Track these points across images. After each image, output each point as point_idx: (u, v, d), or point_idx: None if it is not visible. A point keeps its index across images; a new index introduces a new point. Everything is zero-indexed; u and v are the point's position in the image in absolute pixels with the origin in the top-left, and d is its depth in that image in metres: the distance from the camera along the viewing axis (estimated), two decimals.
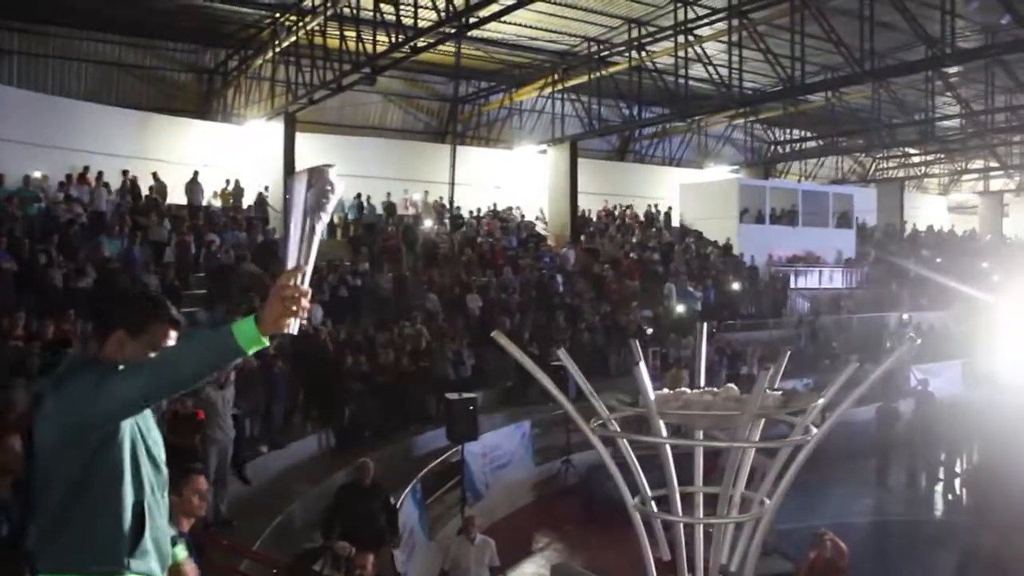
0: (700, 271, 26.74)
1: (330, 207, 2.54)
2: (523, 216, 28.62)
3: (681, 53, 23.20)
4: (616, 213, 30.66)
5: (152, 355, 2.65)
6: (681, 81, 23.80)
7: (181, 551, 3.26)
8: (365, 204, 24.42)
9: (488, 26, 19.51)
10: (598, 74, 25.56)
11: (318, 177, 2.50)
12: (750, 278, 27.68)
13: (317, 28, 20.34)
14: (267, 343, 2.45)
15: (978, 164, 38.26)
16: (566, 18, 23.02)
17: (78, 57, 22.58)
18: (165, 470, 2.88)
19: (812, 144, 34.74)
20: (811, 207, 32.16)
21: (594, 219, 29.96)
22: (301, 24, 20.67)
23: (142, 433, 2.76)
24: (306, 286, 2.46)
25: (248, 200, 23.13)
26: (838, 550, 8.35)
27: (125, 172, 20.79)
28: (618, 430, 3.17)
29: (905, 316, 27.38)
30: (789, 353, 3.42)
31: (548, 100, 28.70)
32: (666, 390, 3.19)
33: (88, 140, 20.65)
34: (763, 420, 3.08)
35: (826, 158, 38.31)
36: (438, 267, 22.31)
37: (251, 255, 18.77)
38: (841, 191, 34.90)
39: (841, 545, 8.38)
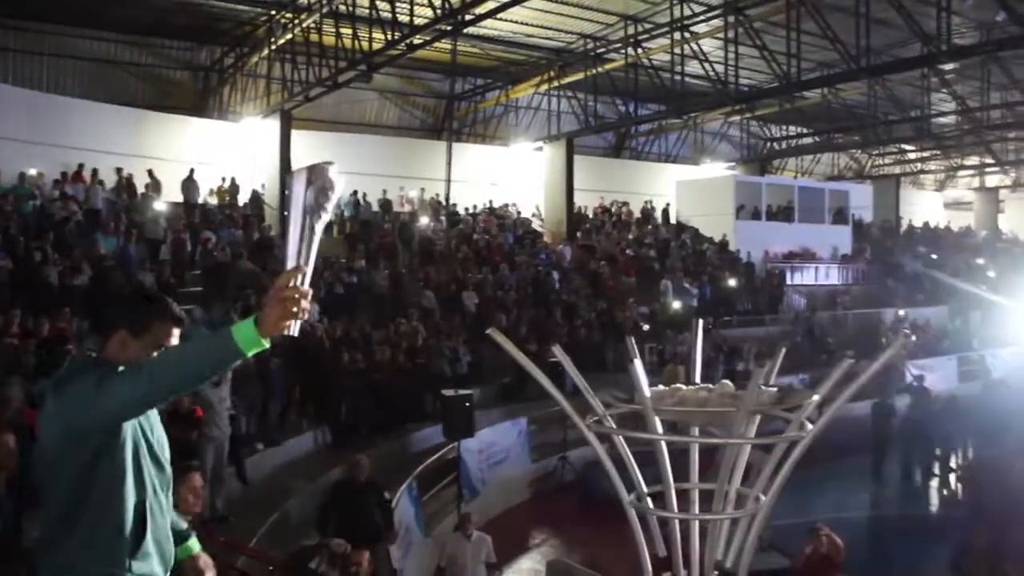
0: (696, 267, 26.75)
1: (330, 206, 2.49)
2: (519, 213, 28.63)
3: (677, 50, 23.20)
4: (613, 210, 30.67)
5: (152, 357, 2.61)
6: (677, 78, 23.80)
7: (195, 543, 3.24)
8: (361, 201, 24.42)
9: (484, 23, 19.50)
10: (594, 71, 25.55)
11: (318, 175, 2.45)
12: (746, 274, 27.70)
13: (313, 25, 20.32)
14: (267, 345, 2.42)
15: (974, 160, 38.32)
16: (562, 15, 23.01)
17: (74, 55, 22.54)
18: (169, 469, 2.87)
19: (808, 141, 34.78)
20: (807, 203, 32.17)
21: (590, 216, 29.96)
22: (297, 21, 20.65)
23: (145, 433, 2.74)
24: (306, 287, 2.43)
25: (244, 198, 23.12)
26: (834, 545, 8.37)
27: (119, 170, 20.78)
28: (614, 427, 3.17)
29: (901, 312, 27.44)
30: (785, 350, 3.43)
31: (544, 97, 28.71)
32: (661, 387, 3.19)
33: (84, 138, 20.64)
34: (759, 416, 3.08)
35: (822, 154, 38.36)
36: (434, 264, 22.30)
37: (247, 252, 18.76)
38: (837, 187, 34.92)
39: (837, 540, 8.40)
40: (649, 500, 3.18)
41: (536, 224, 28.42)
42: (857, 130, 31.40)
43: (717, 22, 22.62)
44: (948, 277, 29.37)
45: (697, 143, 35.29)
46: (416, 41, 18.38)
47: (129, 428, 2.63)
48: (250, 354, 2.41)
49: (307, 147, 23.56)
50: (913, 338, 22.06)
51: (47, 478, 2.64)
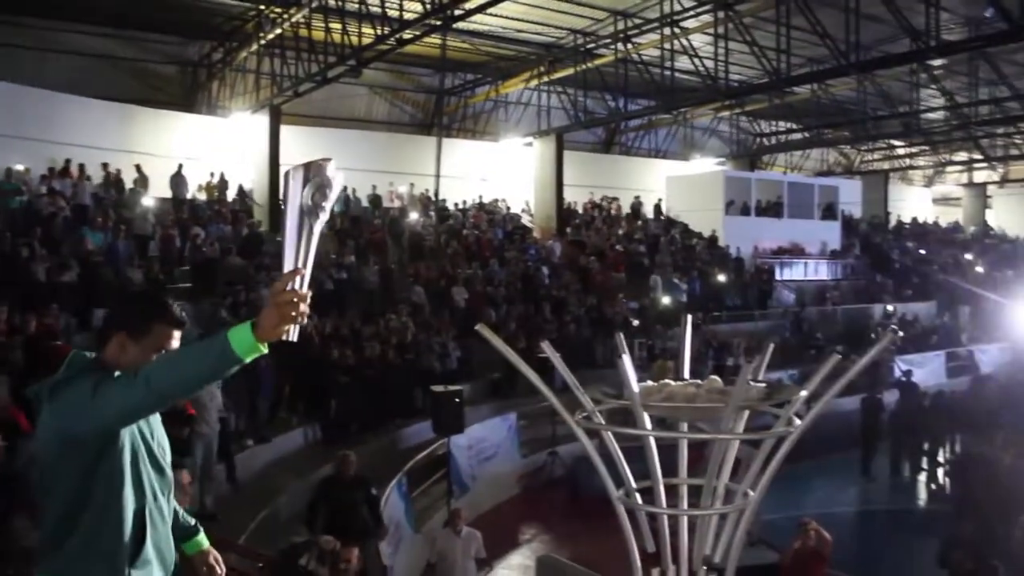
0: (686, 263, 26.81)
1: (329, 204, 2.39)
2: (509, 208, 28.62)
3: (667, 45, 23.19)
4: (604, 205, 30.69)
5: (149, 363, 2.53)
6: (667, 73, 23.82)
7: (204, 538, 3.19)
8: (351, 197, 24.35)
9: (474, 18, 19.43)
10: (584, 66, 25.53)
11: (315, 172, 2.35)
12: (736, 270, 27.77)
13: (302, 20, 20.23)
14: (265, 350, 2.34)
15: (962, 156, 38.45)
16: (552, 10, 22.95)
17: (60, 49, 22.37)
18: (170, 473, 2.81)
19: (797, 136, 34.81)
20: (796, 199, 32.26)
21: (580, 211, 29.97)
22: (286, 16, 20.56)
23: (144, 437, 2.69)
24: (305, 290, 2.33)
25: (233, 193, 23.06)
26: (822, 539, 8.39)
27: (105, 165, 20.69)
28: (603, 423, 3.17)
29: (890, 307, 27.55)
30: (773, 346, 3.43)
31: (534, 92, 28.68)
32: (650, 382, 3.19)
33: (71, 133, 20.52)
34: (747, 412, 3.08)
35: (811, 150, 38.40)
36: (424, 260, 22.29)
37: (236, 248, 18.72)
38: (826, 183, 35.03)
39: (825, 534, 8.42)
40: (638, 495, 3.18)
41: (526, 220, 28.41)
42: (846, 126, 31.46)
43: (707, 17, 22.62)
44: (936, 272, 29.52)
45: (687, 138, 35.31)
46: (406, 36, 18.33)
47: (128, 433, 2.59)
48: (248, 360, 2.34)
49: (296, 143, 23.52)
50: (900, 334, 22.18)
51: (44, 483, 2.58)
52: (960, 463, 15.71)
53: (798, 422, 2.99)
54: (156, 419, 2.79)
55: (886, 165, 40.14)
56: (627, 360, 2.93)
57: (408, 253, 22.98)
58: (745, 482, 3.09)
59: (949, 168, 41.12)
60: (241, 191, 23.10)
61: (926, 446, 17.25)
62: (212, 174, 23.03)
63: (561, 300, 21.81)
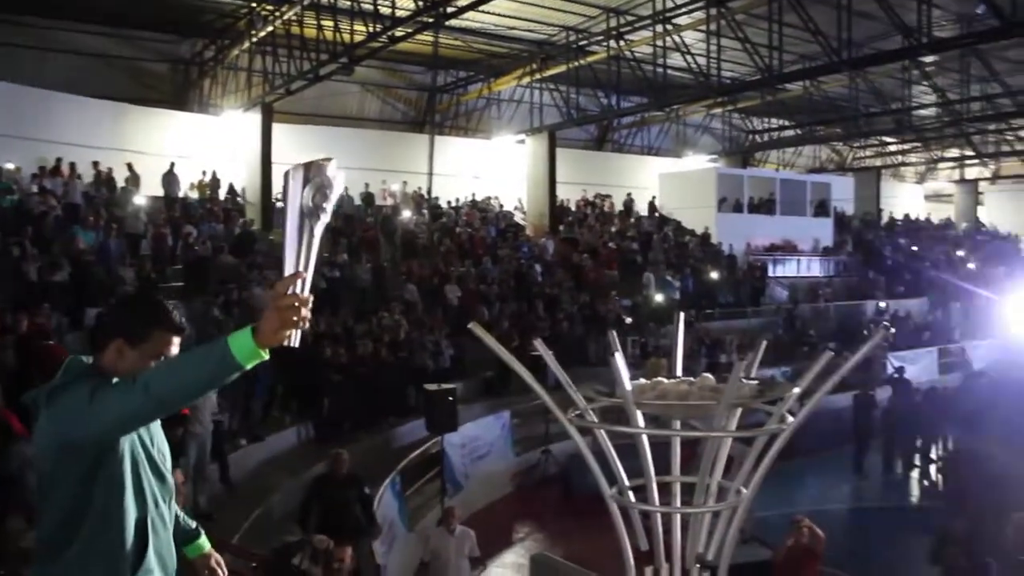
0: (679, 260, 26.83)
1: (330, 205, 2.31)
2: (502, 206, 28.62)
3: (659, 42, 23.25)
4: (597, 203, 30.70)
5: (147, 370, 2.46)
6: (659, 70, 23.85)
7: (205, 541, 3.14)
8: (343, 195, 24.27)
9: (466, 15, 19.42)
10: (576, 63, 25.54)
11: (316, 173, 2.28)
12: (728, 267, 27.81)
13: (294, 18, 20.18)
14: (266, 356, 2.27)
15: (954, 153, 38.58)
16: (544, 7, 22.96)
17: (52, 47, 22.28)
18: (170, 479, 2.76)
19: (790, 133, 34.88)
20: (789, 196, 32.31)
21: (573, 209, 29.98)
22: (278, 14, 20.50)
23: (144, 443, 2.64)
24: (307, 293, 2.28)
25: (224, 192, 23.02)
26: (815, 536, 8.41)
27: (96, 163, 20.63)
28: (595, 420, 3.16)
29: (882, 304, 27.62)
30: (765, 343, 3.43)
31: (527, 90, 28.65)
32: (643, 380, 3.18)
33: (62, 131, 20.44)
34: (740, 409, 3.08)
35: (804, 147, 38.50)
36: (417, 258, 22.28)
37: (229, 247, 18.68)
38: (819, 180, 35.08)
39: (818, 531, 8.44)
40: (631, 493, 3.17)
41: (518, 217, 28.41)
42: (838, 122, 31.54)
43: (699, 14, 22.66)
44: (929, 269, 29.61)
45: (679, 136, 35.35)
46: (398, 33, 18.32)
47: (127, 440, 2.53)
48: (249, 366, 2.28)
49: (288, 141, 23.48)
50: (892, 331, 22.22)
51: (43, 490, 2.53)
52: (952, 460, 15.77)
53: (791, 419, 2.98)
54: (156, 424, 2.74)
55: (878, 162, 40.26)
56: (620, 358, 2.93)
57: (401, 251, 22.96)
58: (738, 480, 3.08)
59: (941, 165, 41.27)
60: (231, 189, 23.06)
61: (919, 443, 17.29)
62: (204, 172, 22.97)
63: (554, 298, 21.82)
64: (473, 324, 3.15)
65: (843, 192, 36.29)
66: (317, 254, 2.33)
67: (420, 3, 16.93)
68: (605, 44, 24.60)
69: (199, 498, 10.11)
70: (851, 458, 16.92)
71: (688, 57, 23.74)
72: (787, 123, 34.65)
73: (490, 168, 29.48)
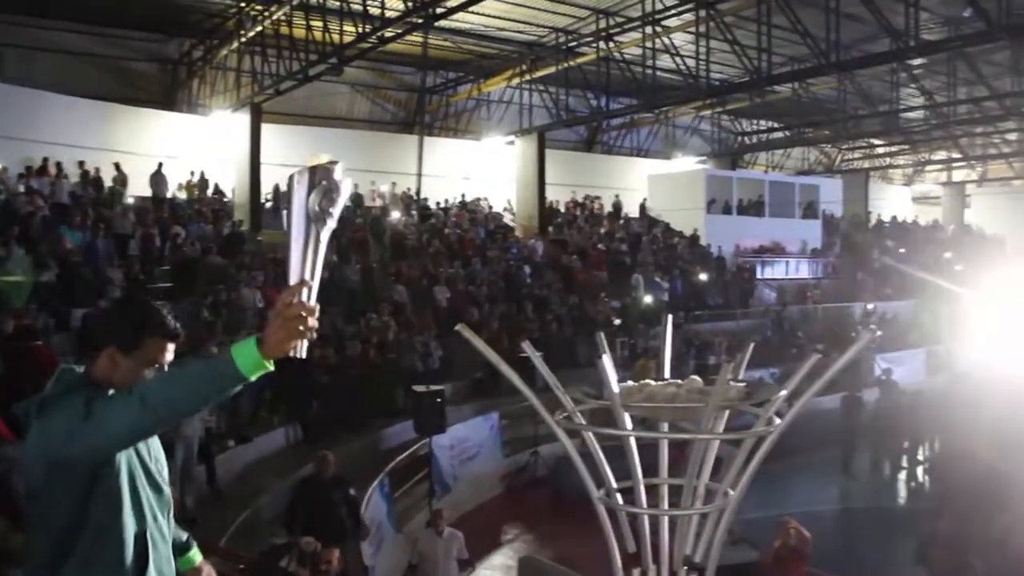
0: (667, 262, 26.87)
1: (336, 210, 2.23)
2: (491, 207, 28.60)
3: (649, 44, 23.27)
4: (586, 204, 30.72)
5: (146, 383, 2.40)
6: (649, 72, 23.87)
7: (197, 553, 3.04)
8: None
9: (456, 16, 19.44)
10: (566, 65, 25.58)
11: (322, 176, 2.19)
12: (717, 268, 27.87)
13: (283, 18, 20.16)
14: (271, 367, 2.21)
15: (941, 155, 38.71)
16: (534, 8, 22.98)
17: (39, 46, 22.20)
18: (167, 491, 2.68)
19: (779, 135, 34.99)
20: (778, 198, 32.42)
21: (562, 210, 30.00)
22: (267, 14, 20.48)
23: (140, 455, 2.56)
24: (313, 302, 2.20)
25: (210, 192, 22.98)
26: (801, 537, 8.40)
27: (81, 163, 20.53)
28: (583, 423, 3.16)
29: (870, 306, 27.70)
30: (753, 345, 3.43)
31: (516, 91, 28.66)
32: (631, 382, 3.18)
33: (49, 131, 20.36)
34: (727, 411, 3.08)
35: (792, 149, 38.61)
36: (406, 259, 22.24)
37: (217, 247, 18.63)
38: (807, 182, 35.21)
39: (804, 533, 8.44)
40: (618, 496, 3.17)
41: (508, 218, 28.40)
42: (827, 125, 31.66)
43: (688, 16, 22.70)
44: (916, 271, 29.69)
45: (668, 137, 35.41)
46: (387, 34, 18.30)
47: (124, 453, 2.46)
48: (253, 378, 2.21)
49: (277, 141, 23.45)
50: (879, 333, 22.27)
51: (37, 506, 2.44)
52: (939, 461, 15.83)
53: (778, 421, 2.99)
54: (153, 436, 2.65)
55: (866, 164, 40.40)
56: (607, 360, 2.93)
57: (390, 252, 22.93)
58: (725, 481, 3.08)
59: (928, 167, 41.40)
60: (216, 188, 22.99)
61: (906, 444, 17.35)
62: (192, 173, 22.90)
63: (543, 299, 21.82)
64: (461, 326, 3.14)
65: (831, 194, 36.41)
66: (324, 261, 2.25)
67: (409, 4, 16.91)
68: (595, 45, 24.64)
69: (186, 500, 10.07)
70: (839, 460, 16.96)
71: (677, 59, 23.79)
72: (776, 125, 34.78)
73: (479, 169, 29.48)
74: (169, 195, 21.58)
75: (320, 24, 19.23)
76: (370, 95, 28.81)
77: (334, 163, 2.24)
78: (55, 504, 2.40)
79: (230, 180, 23.34)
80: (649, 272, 24.87)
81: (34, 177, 19.06)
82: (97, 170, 20.75)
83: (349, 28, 18.56)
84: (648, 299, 23.30)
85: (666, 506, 3.26)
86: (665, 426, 3.28)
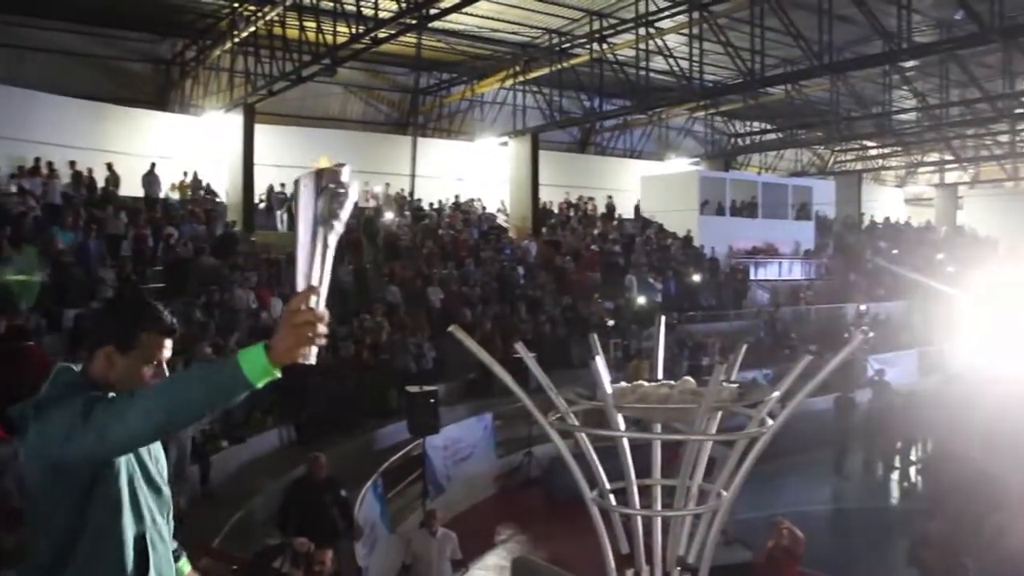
0: (661, 263, 26.90)
1: (344, 213, 2.17)
2: (484, 208, 28.61)
3: (642, 45, 23.28)
4: (581, 205, 30.75)
5: (148, 387, 2.35)
6: (642, 73, 23.91)
7: (185, 565, 2.97)
8: None
9: (449, 17, 19.40)
10: (559, 66, 25.57)
11: (329, 179, 2.13)
12: (711, 270, 27.90)
13: (276, 18, 20.12)
14: (278, 375, 2.16)
15: (933, 157, 38.80)
16: (527, 10, 22.99)
17: (31, 45, 22.12)
18: (167, 491, 2.63)
19: (772, 136, 35.03)
20: (771, 199, 32.48)
21: (555, 211, 30.01)
22: (260, 14, 20.44)
23: (140, 456, 2.50)
24: (322, 308, 2.16)
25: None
26: (794, 538, 8.42)
27: (72, 163, 20.47)
28: (576, 423, 3.17)
29: (863, 307, 27.76)
30: (746, 346, 3.44)
31: (509, 92, 28.66)
32: (624, 383, 3.19)
33: (41, 131, 20.28)
34: (720, 412, 3.09)
35: (786, 150, 38.67)
36: (399, 259, 22.23)
37: (210, 248, 18.59)
38: (800, 183, 35.26)
39: (797, 533, 8.46)
40: (612, 497, 3.18)
41: (501, 219, 28.40)
42: (820, 126, 31.69)
43: (682, 18, 22.72)
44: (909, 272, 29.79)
45: (662, 138, 35.45)
46: (381, 35, 18.28)
47: (123, 456, 2.41)
48: (260, 385, 2.15)
49: (270, 142, 23.44)
50: (871, 335, 22.33)
51: (36, 510, 2.39)
52: (932, 462, 15.86)
53: (771, 422, 3.00)
54: None
55: (859, 165, 40.45)
56: (600, 361, 2.94)
57: (383, 253, 22.91)
58: (719, 482, 3.09)
59: (921, 169, 41.49)
60: (207, 188, 22.94)
61: (899, 445, 17.38)
62: (185, 173, 22.85)
63: (536, 300, 21.83)
64: (454, 327, 3.15)
65: (824, 195, 36.46)
66: (332, 266, 2.21)
67: (403, 5, 16.90)
68: (588, 47, 24.66)
69: (179, 500, 10.04)
70: (832, 460, 16.99)
71: (671, 60, 23.82)
72: (769, 126, 34.82)
73: (473, 170, 29.47)
74: (162, 195, 21.52)
75: (313, 25, 19.21)
76: (363, 96, 28.78)
77: (341, 165, 2.18)
78: (54, 506, 2.36)
79: (223, 181, 23.27)
80: (642, 273, 24.89)
81: (26, 177, 19.00)
82: (90, 170, 20.69)
83: (342, 29, 18.53)
84: (641, 300, 23.31)
85: (659, 507, 3.27)
86: (658, 427, 3.29)
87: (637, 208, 31.74)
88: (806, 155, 40.82)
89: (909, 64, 26.11)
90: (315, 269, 2.17)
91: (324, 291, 2.19)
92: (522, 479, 15.23)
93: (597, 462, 3.18)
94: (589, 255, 25.96)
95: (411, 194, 27.67)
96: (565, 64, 25.57)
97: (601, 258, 26.03)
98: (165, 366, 2.56)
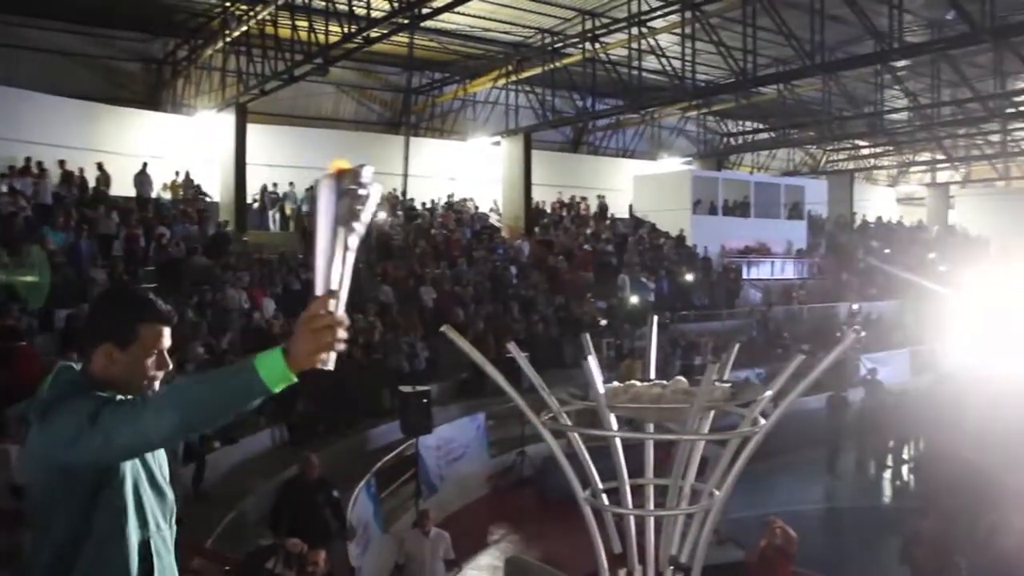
0: (653, 262, 26.92)
1: (366, 216, 2.11)
2: (477, 208, 28.59)
3: (635, 45, 23.31)
4: (574, 203, 30.75)
5: (161, 392, 2.29)
6: (635, 73, 23.92)
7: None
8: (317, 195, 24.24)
9: (442, 16, 19.43)
10: (552, 65, 25.58)
11: (351, 180, 2.08)
12: (703, 269, 27.94)
13: (268, 18, 20.08)
14: (295, 379, 2.10)
15: (925, 156, 38.91)
16: (520, 9, 22.99)
17: (21, 44, 22.02)
18: (169, 494, 2.54)
19: (764, 136, 35.09)
20: (763, 198, 32.53)
21: (548, 211, 30.01)
22: (252, 14, 20.39)
23: (143, 459, 2.42)
24: (341, 313, 2.11)
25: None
26: (787, 537, 8.44)
27: (62, 162, 20.39)
28: (568, 423, 3.16)
29: (855, 306, 27.83)
30: (739, 346, 3.44)
31: (502, 91, 28.66)
32: (616, 383, 3.19)
33: (32, 130, 20.19)
34: (712, 411, 3.09)
35: (778, 150, 38.73)
36: (392, 259, 22.22)
37: (202, 248, 18.56)
38: (792, 183, 35.33)
39: (790, 532, 8.48)
40: (604, 496, 3.18)
41: (494, 219, 28.40)
42: (812, 126, 31.75)
43: (674, 18, 22.75)
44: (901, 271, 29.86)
45: (654, 138, 35.47)
46: (373, 34, 18.27)
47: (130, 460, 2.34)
48: (277, 390, 2.09)
49: (263, 141, 23.40)
50: (863, 334, 22.39)
51: (36, 515, 2.32)
52: (924, 461, 15.91)
53: (763, 422, 2.99)
54: None
55: (851, 165, 40.54)
56: (593, 361, 2.93)
57: (376, 252, 22.86)
58: (711, 482, 3.09)
59: (913, 168, 41.62)
60: (197, 187, 22.90)
61: (891, 444, 17.43)
62: (177, 173, 22.79)
63: (529, 300, 21.84)
64: (446, 327, 3.14)
65: (817, 195, 36.55)
66: (352, 270, 2.15)
67: (395, 4, 16.89)
68: (580, 46, 24.66)
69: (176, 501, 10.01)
70: (824, 459, 17.03)
71: (663, 60, 23.85)
72: (761, 126, 34.87)
73: (465, 170, 29.45)
74: (153, 195, 21.46)
75: (305, 24, 19.18)
76: (356, 95, 28.73)
77: (362, 166, 2.13)
78: (57, 515, 2.29)
79: (215, 180, 23.23)
80: (635, 272, 24.91)
81: (16, 177, 18.92)
82: (81, 170, 20.62)
83: (335, 28, 18.51)
84: (634, 299, 23.33)
85: (652, 506, 3.26)
86: (651, 427, 3.29)
87: (631, 208, 31.74)
88: (798, 154, 40.89)
89: (901, 64, 26.18)
90: (335, 272, 2.11)
91: (344, 295, 2.14)
92: (515, 479, 15.23)
93: (590, 462, 3.18)
94: (582, 255, 25.98)
95: (404, 194, 27.64)
96: (557, 64, 25.59)
97: (594, 258, 26.05)
98: (167, 356, 2.49)
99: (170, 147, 23.07)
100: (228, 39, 21.56)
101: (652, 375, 3.41)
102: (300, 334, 2.07)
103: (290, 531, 7.87)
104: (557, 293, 23.07)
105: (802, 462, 16.32)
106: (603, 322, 21.65)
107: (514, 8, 22.83)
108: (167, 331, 2.46)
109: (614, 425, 3.14)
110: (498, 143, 28.98)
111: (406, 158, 28.37)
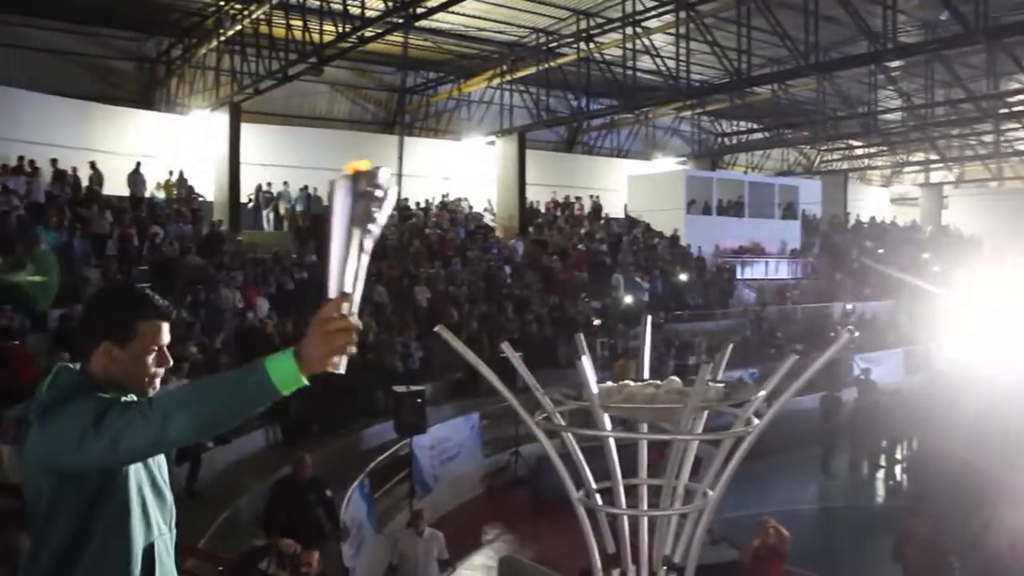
0: (648, 262, 26.94)
1: (382, 217, 2.08)
2: (471, 208, 28.59)
3: (629, 45, 23.30)
4: (570, 202, 30.77)
5: (168, 394, 2.19)
6: (629, 73, 23.92)
7: None
8: (311, 195, 24.25)
9: (436, 16, 19.37)
10: (546, 65, 25.56)
11: (367, 181, 2.05)
12: (697, 269, 27.96)
13: (263, 17, 20.05)
14: (307, 382, 2.06)
15: (919, 157, 38.97)
16: (515, 9, 22.98)
17: (15, 43, 21.97)
18: (169, 497, 2.52)
19: (758, 136, 35.12)
20: (757, 198, 32.58)
21: (542, 210, 30.02)
22: (246, 13, 20.35)
23: (146, 462, 2.37)
24: (355, 316, 2.09)
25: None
26: (780, 536, 8.46)
27: (54, 161, 20.34)
28: (562, 423, 3.16)
29: (849, 306, 27.87)
30: (732, 346, 3.44)
31: (496, 91, 28.64)
32: (610, 383, 3.19)
33: (25, 129, 20.13)
34: (706, 411, 3.09)
35: (772, 150, 38.76)
36: (386, 259, 22.17)
37: (196, 247, 18.53)
38: (787, 183, 35.38)
39: (783, 531, 8.49)
40: (598, 496, 3.18)
41: (488, 219, 28.39)
42: (806, 126, 31.78)
43: (669, 17, 22.75)
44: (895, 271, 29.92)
45: (649, 138, 35.47)
46: (367, 34, 18.24)
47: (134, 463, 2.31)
48: (288, 393, 2.06)
49: (257, 141, 23.36)
50: (856, 334, 22.42)
51: (39, 517, 2.27)
52: (917, 460, 15.94)
53: (757, 421, 3.00)
54: None
55: (845, 165, 40.57)
56: (587, 361, 2.93)
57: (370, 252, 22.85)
58: (705, 482, 3.09)
59: (906, 168, 41.66)
60: (191, 187, 22.86)
61: (884, 443, 17.46)
62: (171, 172, 22.74)
63: (523, 299, 21.83)
64: (440, 327, 3.13)
65: (810, 195, 36.60)
66: (366, 272, 2.12)
67: (390, 4, 16.86)
68: (575, 46, 24.65)
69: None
70: (818, 459, 17.05)
71: (657, 60, 23.85)
72: (755, 126, 34.90)
73: (460, 169, 29.43)
74: (147, 194, 21.41)
75: (300, 23, 19.16)
76: (350, 95, 28.70)
77: (379, 168, 2.09)
78: (58, 519, 2.25)
79: (209, 180, 23.19)
80: (629, 272, 24.93)
81: (9, 176, 18.87)
82: (74, 169, 20.57)
83: (329, 27, 18.49)
84: (628, 299, 23.35)
85: (646, 506, 3.26)
86: (644, 427, 3.29)
87: (624, 207, 31.75)
88: (792, 155, 40.93)
89: (895, 64, 26.22)
90: (348, 275, 2.09)
91: (358, 298, 2.11)
92: (509, 479, 15.23)
93: (583, 462, 3.18)
94: (576, 254, 25.99)
95: (398, 193, 27.59)
96: (552, 63, 25.57)
97: (588, 257, 26.06)
98: (167, 352, 2.45)
99: (164, 146, 23.02)
100: (222, 38, 21.52)
101: (646, 375, 3.41)
102: (313, 336, 2.05)
103: (283, 531, 7.84)
104: (551, 293, 23.07)
105: (796, 462, 16.36)
106: (597, 322, 21.67)
107: (508, 8, 22.82)
108: (166, 327, 2.43)
109: (608, 425, 3.14)
110: (492, 143, 28.97)
111: (400, 158, 28.34)
